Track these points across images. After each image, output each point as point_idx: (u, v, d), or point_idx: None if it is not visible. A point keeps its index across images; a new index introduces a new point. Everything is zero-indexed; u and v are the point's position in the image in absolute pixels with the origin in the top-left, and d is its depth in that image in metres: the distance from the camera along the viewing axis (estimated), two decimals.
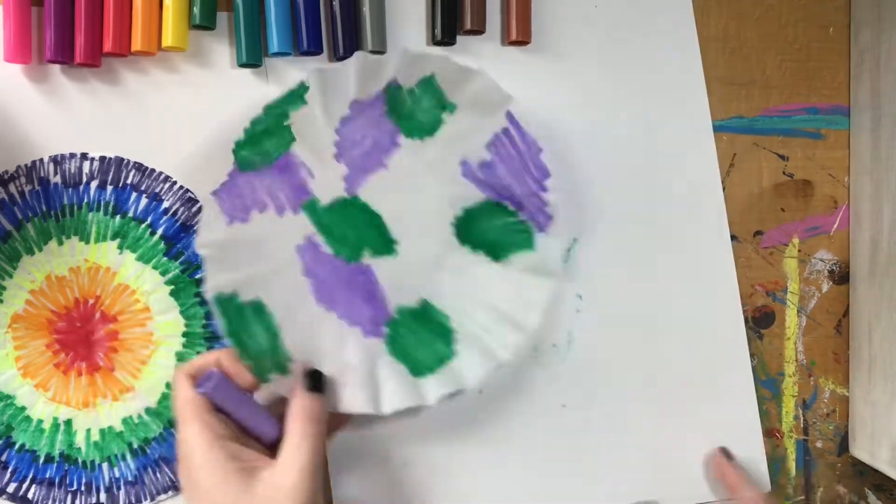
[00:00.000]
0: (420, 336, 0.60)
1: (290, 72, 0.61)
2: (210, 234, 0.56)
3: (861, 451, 0.63)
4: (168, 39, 0.59)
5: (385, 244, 0.61)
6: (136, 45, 0.59)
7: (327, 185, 0.59)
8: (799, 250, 0.64)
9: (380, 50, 0.61)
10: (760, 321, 0.64)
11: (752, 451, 0.63)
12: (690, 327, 0.63)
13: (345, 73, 0.58)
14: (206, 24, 0.59)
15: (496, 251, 0.60)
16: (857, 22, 0.63)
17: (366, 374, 0.58)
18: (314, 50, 0.60)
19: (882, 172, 0.60)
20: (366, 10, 0.60)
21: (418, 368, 0.59)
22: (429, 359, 0.59)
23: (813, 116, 0.64)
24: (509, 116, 0.58)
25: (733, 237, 0.64)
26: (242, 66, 0.60)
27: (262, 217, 0.58)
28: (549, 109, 0.63)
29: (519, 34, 0.62)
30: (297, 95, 0.57)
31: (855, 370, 0.64)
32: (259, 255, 0.58)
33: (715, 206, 0.64)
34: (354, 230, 0.60)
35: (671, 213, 0.63)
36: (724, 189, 0.64)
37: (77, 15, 0.58)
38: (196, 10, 0.59)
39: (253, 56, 0.60)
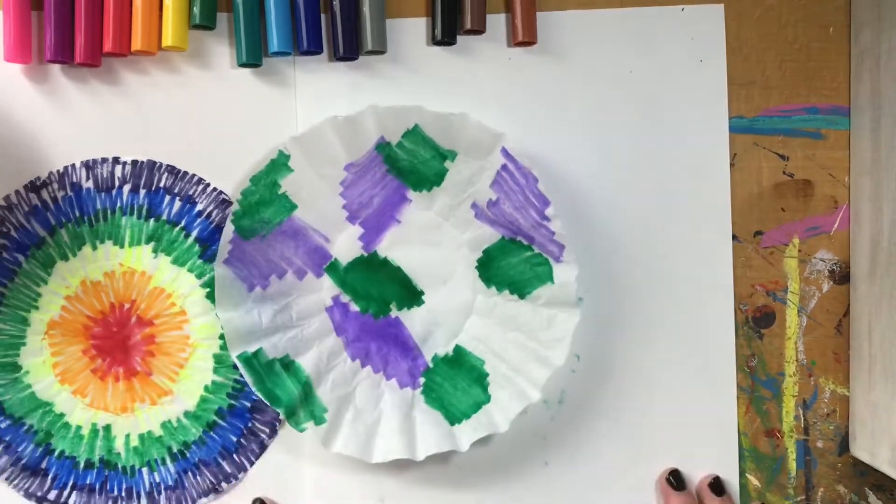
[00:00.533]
0: (456, 382, 0.62)
1: (290, 72, 0.61)
2: (230, 302, 0.59)
3: (861, 450, 0.62)
4: (168, 39, 0.59)
5: (411, 296, 0.63)
6: (136, 45, 0.59)
7: (344, 246, 0.62)
8: (799, 250, 0.64)
9: (380, 50, 0.61)
10: (761, 321, 0.64)
11: None
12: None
13: (324, 137, 0.59)
14: (206, 23, 0.60)
15: (520, 288, 0.61)
16: (857, 22, 0.63)
17: (401, 422, 0.60)
18: (314, 50, 0.60)
19: (882, 172, 0.60)
20: (366, 10, 0.60)
21: (454, 415, 0.61)
22: (464, 404, 0.61)
23: (813, 116, 0.64)
24: (505, 153, 0.59)
25: (734, 237, 0.64)
26: (242, 65, 0.61)
27: (281, 282, 0.61)
28: (552, 110, 0.63)
29: (525, 35, 0.62)
30: (280, 164, 0.59)
31: (855, 370, 0.63)
32: (286, 318, 0.61)
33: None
34: (378, 286, 0.62)
35: (678, 220, 0.63)
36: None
37: (77, 15, 0.58)
38: (196, 9, 0.59)
39: (253, 56, 0.60)
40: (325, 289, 0.62)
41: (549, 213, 0.59)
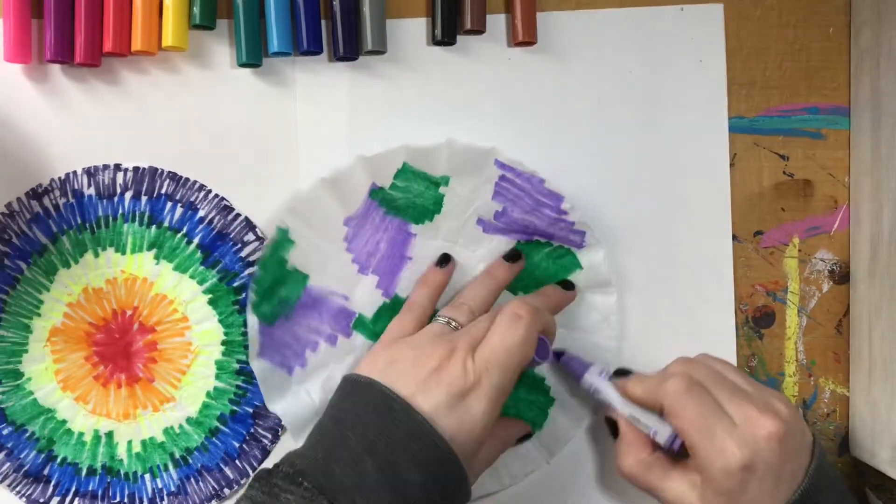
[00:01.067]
0: (516, 395, 0.61)
1: (290, 72, 0.61)
2: (278, 392, 0.59)
3: (861, 451, 0.63)
4: (168, 39, 0.59)
5: None
6: (136, 45, 0.59)
7: (365, 299, 0.61)
8: (799, 250, 0.64)
9: (380, 50, 0.61)
10: (760, 321, 0.64)
11: None
12: None
13: (318, 200, 0.59)
14: (206, 23, 0.59)
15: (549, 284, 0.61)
16: (857, 22, 0.63)
17: None
18: (314, 50, 0.60)
19: (882, 172, 0.60)
20: (366, 10, 0.60)
21: None
22: (532, 413, 0.61)
23: (813, 116, 0.64)
24: (499, 164, 0.59)
25: (734, 237, 0.64)
26: (242, 65, 0.60)
27: (317, 355, 0.60)
28: (552, 110, 0.63)
29: (525, 35, 0.62)
30: (282, 241, 0.59)
31: (855, 370, 0.64)
32: (333, 386, 0.59)
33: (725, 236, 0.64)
34: None
35: (680, 224, 0.63)
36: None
37: (77, 15, 0.58)
38: (196, 9, 0.59)
39: (253, 56, 0.60)
40: (359, 346, 0.61)
41: (566, 207, 0.58)
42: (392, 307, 0.61)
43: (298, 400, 0.59)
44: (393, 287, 0.61)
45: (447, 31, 0.61)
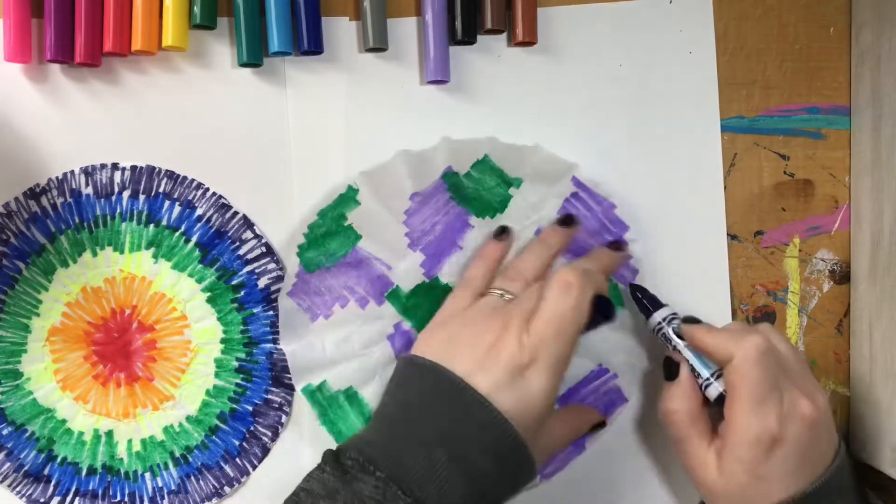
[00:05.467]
0: None
1: (290, 72, 0.61)
2: (294, 333, 0.59)
3: (861, 451, 0.63)
4: (168, 39, 0.59)
5: None
6: (136, 44, 0.59)
7: (406, 273, 0.61)
8: (800, 250, 0.64)
9: (381, 47, 0.61)
10: (761, 321, 0.64)
11: None
12: None
13: (394, 171, 0.59)
14: (207, 23, 0.59)
15: None
16: (857, 22, 0.64)
17: None
18: (314, 49, 0.60)
19: (882, 172, 0.60)
20: (366, 5, 0.60)
21: None
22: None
23: (813, 116, 0.64)
24: (576, 181, 0.59)
25: (734, 237, 0.64)
26: (243, 65, 0.60)
27: (344, 312, 0.60)
28: (549, 107, 0.63)
29: (525, 35, 0.62)
30: (348, 198, 0.59)
31: (856, 370, 0.64)
32: (349, 347, 0.60)
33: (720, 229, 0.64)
34: None
35: (676, 217, 0.63)
36: (724, 189, 0.64)
37: (77, 15, 0.58)
38: (196, 9, 0.59)
39: (253, 56, 0.60)
40: (388, 316, 0.61)
41: (628, 237, 0.59)
42: (429, 288, 0.61)
43: (311, 347, 0.59)
44: (436, 270, 0.61)
45: (467, 31, 0.61)
